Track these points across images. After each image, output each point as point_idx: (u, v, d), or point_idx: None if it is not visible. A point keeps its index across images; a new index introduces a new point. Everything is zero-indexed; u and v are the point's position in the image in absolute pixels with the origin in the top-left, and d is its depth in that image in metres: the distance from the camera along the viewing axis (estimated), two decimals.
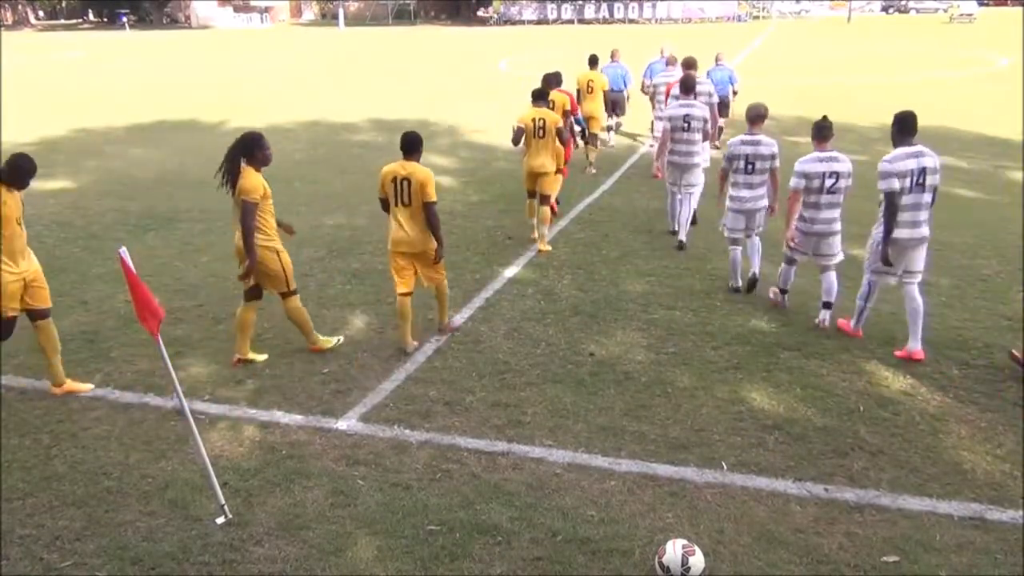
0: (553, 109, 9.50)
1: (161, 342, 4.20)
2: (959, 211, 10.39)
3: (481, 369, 6.15)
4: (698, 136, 8.97)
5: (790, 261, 7.01)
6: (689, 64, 10.93)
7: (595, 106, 13.02)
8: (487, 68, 30.41)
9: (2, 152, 10.76)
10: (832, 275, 6.75)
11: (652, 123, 13.86)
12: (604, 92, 13.33)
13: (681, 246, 8.97)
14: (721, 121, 13.41)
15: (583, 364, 6.20)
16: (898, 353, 6.21)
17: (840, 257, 6.83)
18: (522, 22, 65.84)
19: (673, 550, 3.82)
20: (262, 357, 6.32)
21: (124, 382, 6.03)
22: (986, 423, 5.27)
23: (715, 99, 10.85)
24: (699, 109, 9.05)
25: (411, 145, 6.17)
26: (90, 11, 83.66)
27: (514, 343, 6.60)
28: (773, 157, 7.30)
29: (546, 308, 7.34)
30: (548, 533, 4.20)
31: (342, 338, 6.61)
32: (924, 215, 6.08)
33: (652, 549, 4.00)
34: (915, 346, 6.17)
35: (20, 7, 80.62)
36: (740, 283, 7.61)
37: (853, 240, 7.51)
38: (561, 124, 8.96)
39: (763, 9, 66.07)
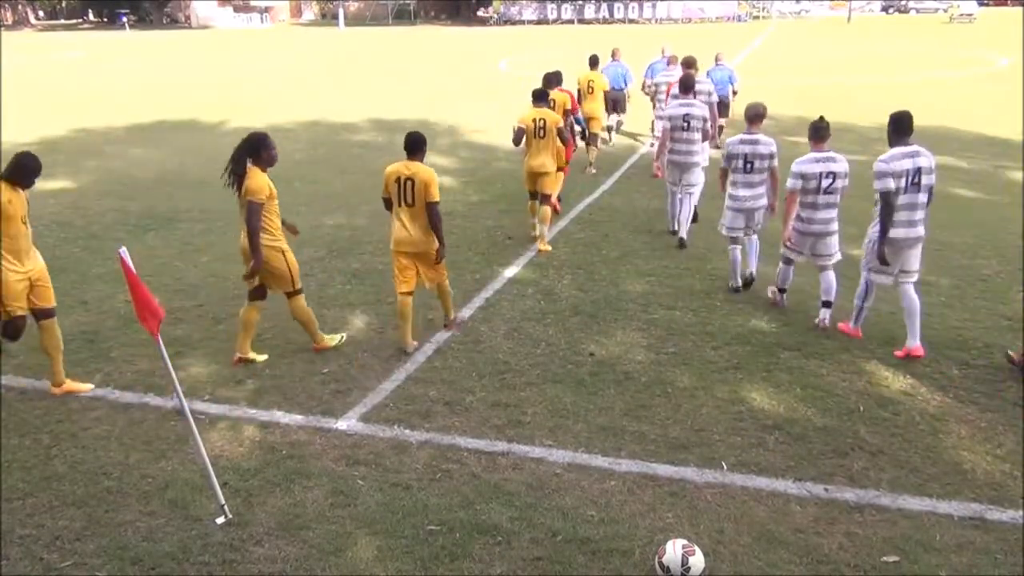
0: (554, 108, 9.52)
1: (161, 342, 4.20)
2: (959, 211, 10.39)
3: (481, 369, 6.15)
4: (698, 135, 8.99)
5: (788, 261, 7.03)
6: (689, 64, 10.95)
7: (595, 106, 13.02)
8: (487, 68, 30.41)
9: (2, 152, 10.77)
10: (830, 274, 6.76)
11: (652, 122, 13.88)
12: (604, 92, 13.34)
13: (682, 243, 8.98)
14: (722, 121, 13.44)
15: (583, 364, 6.20)
16: (898, 353, 6.22)
17: (838, 257, 6.85)
18: (522, 22, 65.84)
19: (673, 550, 3.82)
20: (262, 357, 6.32)
21: (124, 382, 6.03)
22: (986, 423, 5.27)
23: (714, 98, 10.86)
24: (699, 108, 9.07)
25: (415, 145, 6.21)
26: (90, 11, 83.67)
27: (514, 343, 6.60)
28: (772, 156, 7.32)
29: (546, 308, 7.34)
30: (548, 533, 4.20)
31: (345, 335, 6.62)
32: (920, 215, 6.11)
33: (652, 549, 4.00)
34: (914, 343, 6.18)
35: (20, 7, 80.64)
36: (740, 283, 7.62)
37: (851, 241, 7.51)
38: (561, 124, 8.98)
39: (763, 9, 66.08)
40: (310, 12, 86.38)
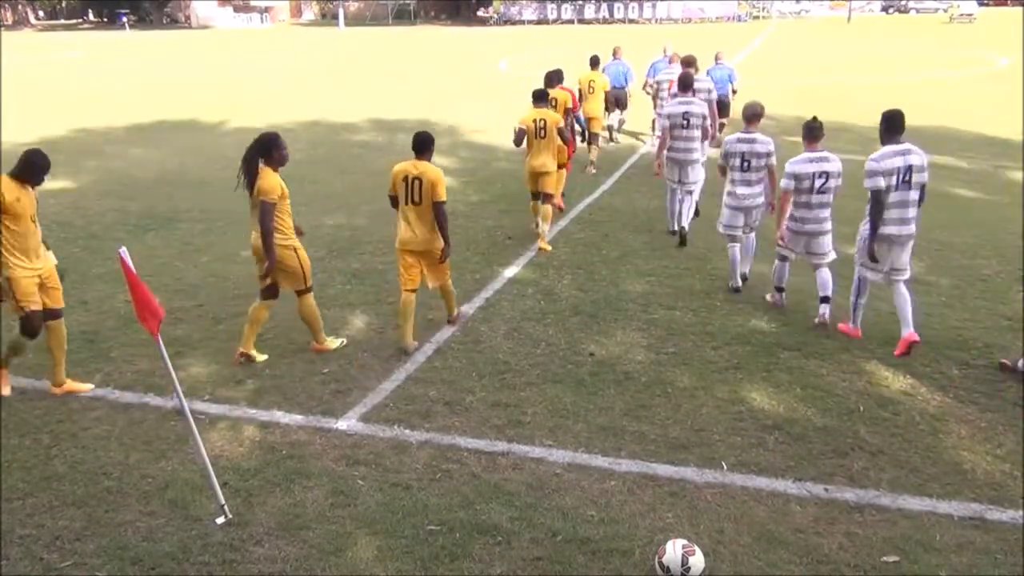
0: (555, 107, 9.54)
1: (161, 342, 4.20)
2: (959, 211, 10.39)
3: (481, 369, 6.15)
4: (697, 133, 9.03)
5: (783, 258, 7.10)
6: (688, 62, 10.97)
7: (596, 106, 13.02)
8: (487, 68, 30.40)
9: (2, 152, 10.77)
10: (825, 271, 6.82)
11: (653, 121, 13.88)
12: (606, 91, 13.35)
13: (683, 236, 9.03)
14: (723, 120, 13.45)
15: (583, 364, 6.20)
16: (897, 352, 6.22)
17: (832, 256, 6.90)
18: (522, 22, 65.82)
19: (673, 550, 3.82)
20: (263, 357, 6.32)
21: (124, 382, 6.03)
22: (986, 423, 5.27)
23: (714, 96, 10.90)
24: (698, 106, 9.11)
25: (423, 145, 6.28)
26: (90, 11, 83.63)
27: (514, 343, 6.60)
28: (769, 155, 7.37)
29: (546, 308, 7.34)
30: (548, 533, 4.20)
31: (345, 340, 6.62)
32: (912, 212, 6.17)
33: (652, 549, 4.00)
34: (907, 330, 6.21)
35: (20, 7, 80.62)
36: (740, 283, 7.63)
37: (846, 240, 7.51)
38: (562, 124, 9.00)
39: (763, 9, 66.05)
40: (310, 12, 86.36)
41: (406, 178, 6.23)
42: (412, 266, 6.41)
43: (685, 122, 8.96)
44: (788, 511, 4.38)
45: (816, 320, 6.76)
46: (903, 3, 66.59)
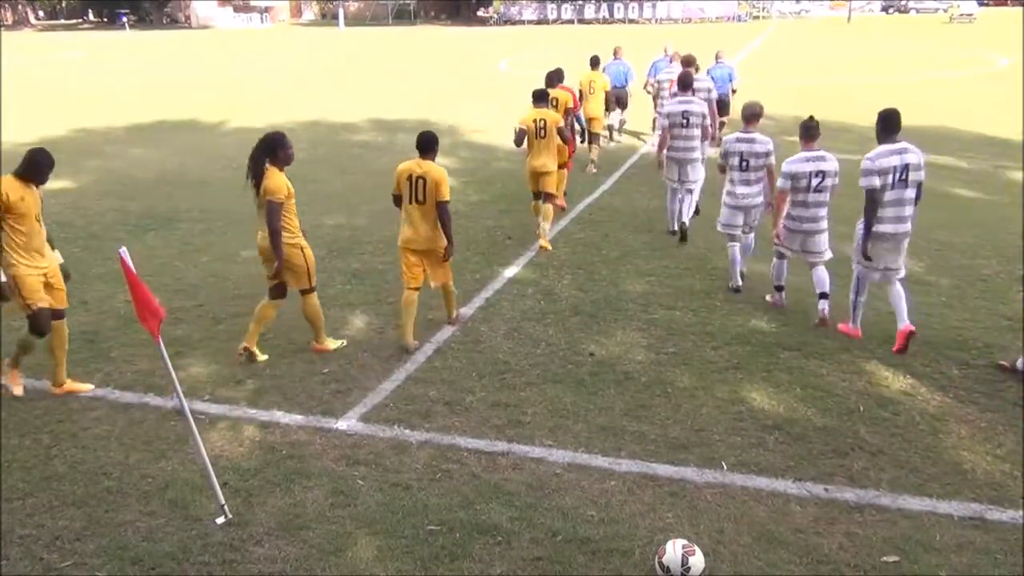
0: (556, 107, 9.54)
1: (161, 342, 4.20)
2: (959, 211, 10.40)
3: (481, 369, 6.15)
4: (697, 132, 9.07)
5: (780, 256, 7.14)
6: (688, 61, 10.99)
7: (596, 106, 13.03)
8: (487, 68, 30.41)
9: (2, 152, 10.77)
10: (821, 269, 6.85)
11: (654, 120, 13.89)
12: (606, 91, 13.36)
13: (683, 231, 9.07)
14: (723, 118, 13.47)
15: (583, 364, 6.20)
16: (895, 347, 6.25)
17: (828, 255, 6.93)
18: (522, 22, 65.83)
19: (673, 550, 3.81)
20: (263, 357, 6.32)
21: (124, 382, 6.03)
22: (986, 423, 5.27)
23: (713, 95, 10.91)
24: (697, 105, 9.14)
25: (427, 144, 6.34)
26: (90, 11, 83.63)
27: (514, 343, 6.60)
28: (768, 155, 7.40)
29: (546, 308, 7.34)
30: (548, 533, 4.20)
31: (346, 341, 6.62)
32: (908, 210, 6.22)
33: (652, 549, 4.00)
34: (904, 323, 6.25)
35: (20, 7, 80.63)
36: (740, 282, 7.64)
37: (844, 239, 7.52)
38: (562, 123, 9.02)
39: (763, 9, 66.06)
40: (310, 12, 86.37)
41: (410, 177, 6.27)
42: (415, 265, 6.46)
43: (684, 121, 8.99)
44: (788, 511, 4.38)
45: (817, 316, 6.77)
46: (903, 3, 66.59)
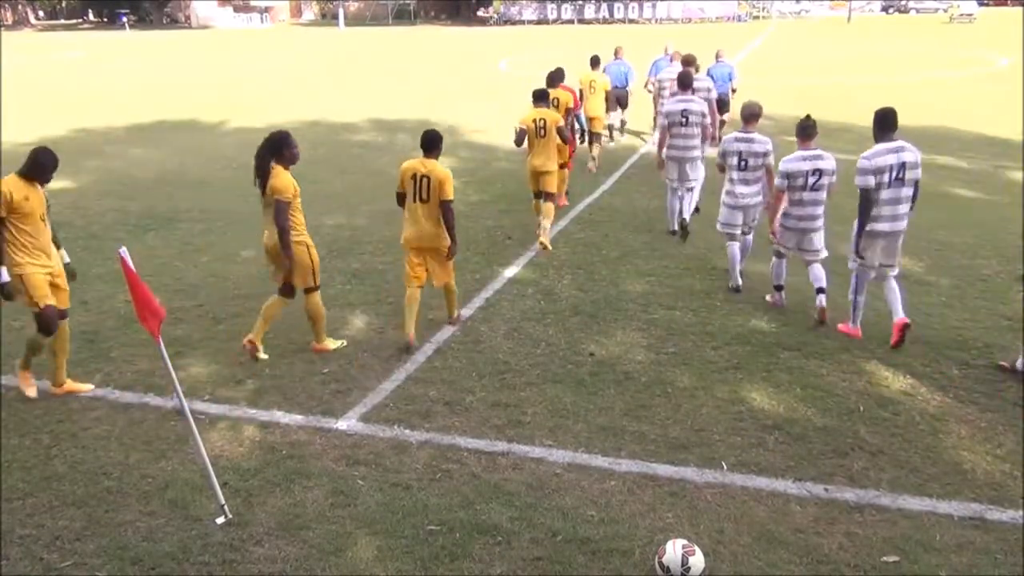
0: (557, 107, 9.55)
1: (161, 342, 4.20)
2: (959, 211, 10.40)
3: (481, 369, 6.15)
4: (696, 131, 9.08)
5: (779, 254, 7.16)
6: (688, 61, 11.00)
7: (597, 106, 13.04)
8: (487, 68, 30.40)
9: (2, 152, 10.77)
10: (818, 267, 6.89)
11: (655, 119, 13.90)
12: (606, 91, 13.36)
13: (684, 226, 9.09)
14: (723, 117, 13.47)
15: (583, 364, 6.20)
16: (892, 340, 6.27)
17: (824, 254, 6.95)
18: (522, 22, 65.82)
19: (673, 550, 3.82)
20: (263, 356, 6.32)
21: (124, 382, 6.03)
22: (986, 423, 5.27)
23: (713, 94, 10.91)
24: (697, 104, 9.15)
25: (431, 143, 6.36)
26: (90, 11, 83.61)
27: (514, 343, 6.60)
28: (767, 155, 7.42)
29: (546, 308, 7.34)
30: (548, 533, 4.20)
31: (346, 342, 6.62)
32: (904, 209, 6.25)
33: (652, 549, 4.00)
34: (898, 316, 6.28)
35: (20, 7, 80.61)
36: (740, 282, 7.64)
37: (842, 239, 7.52)
38: (562, 123, 9.02)
39: (763, 9, 66.06)
40: (310, 12, 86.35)
41: (414, 176, 6.30)
42: (418, 264, 6.50)
43: (684, 120, 9.00)
44: (788, 511, 4.38)
45: (816, 311, 6.77)
46: (903, 3, 66.59)
